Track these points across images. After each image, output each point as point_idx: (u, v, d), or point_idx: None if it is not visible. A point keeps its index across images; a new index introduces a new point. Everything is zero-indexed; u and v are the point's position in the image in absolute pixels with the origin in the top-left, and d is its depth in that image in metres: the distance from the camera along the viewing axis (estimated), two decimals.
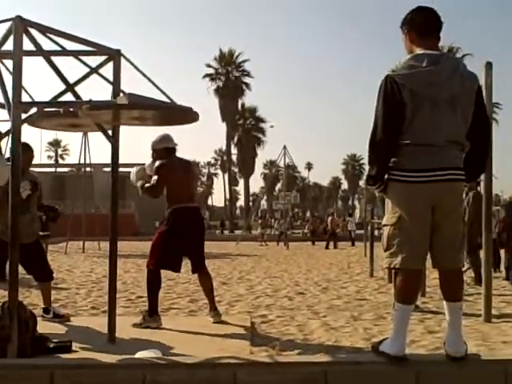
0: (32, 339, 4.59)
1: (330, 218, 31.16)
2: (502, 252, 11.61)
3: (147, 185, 6.24)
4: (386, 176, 3.61)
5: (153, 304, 6.11)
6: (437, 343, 5.07)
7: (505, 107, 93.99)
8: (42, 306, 6.45)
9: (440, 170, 3.47)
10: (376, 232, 15.21)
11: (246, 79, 63.29)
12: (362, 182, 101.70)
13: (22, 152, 6.09)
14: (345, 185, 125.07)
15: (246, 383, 3.57)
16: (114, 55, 4.94)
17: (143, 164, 6.47)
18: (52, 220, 6.96)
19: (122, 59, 4.97)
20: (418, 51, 3.61)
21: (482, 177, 6.42)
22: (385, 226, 3.67)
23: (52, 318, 6.30)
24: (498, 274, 11.37)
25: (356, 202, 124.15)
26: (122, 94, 4.74)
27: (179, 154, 6.46)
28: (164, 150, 6.28)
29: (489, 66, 6.29)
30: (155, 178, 6.17)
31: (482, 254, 7.07)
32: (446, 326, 3.70)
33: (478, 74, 3.87)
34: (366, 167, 3.80)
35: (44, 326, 5.22)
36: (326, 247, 27.21)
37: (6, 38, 4.61)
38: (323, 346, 5.18)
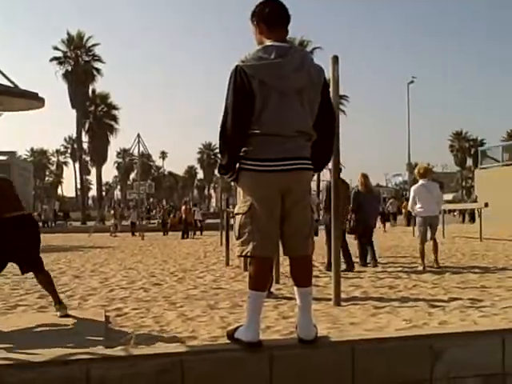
0: None
1: (183, 208, 31.17)
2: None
3: None
4: (237, 165, 3.65)
5: None
6: (290, 328, 5.22)
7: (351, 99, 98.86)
8: None
9: (288, 159, 3.57)
10: (231, 221, 15.40)
11: (98, 64, 61.51)
12: (217, 171, 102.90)
13: None
14: (200, 174, 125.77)
15: (100, 379, 3.47)
16: None
17: None
18: None
19: None
20: (267, 43, 3.67)
21: (330, 166, 6.69)
22: (236, 214, 3.73)
23: None
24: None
25: (212, 191, 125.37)
26: None
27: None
28: None
29: (335, 59, 6.54)
30: None
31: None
32: (297, 311, 3.82)
33: (326, 67, 4.01)
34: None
35: None
36: (182, 237, 27.24)
37: None
38: (179, 337, 5.16)
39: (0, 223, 5.88)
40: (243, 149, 3.60)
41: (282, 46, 3.63)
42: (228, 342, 3.86)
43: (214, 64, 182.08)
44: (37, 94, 3.95)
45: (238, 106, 3.53)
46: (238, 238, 3.70)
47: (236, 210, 3.75)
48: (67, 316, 6.03)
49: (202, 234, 29.25)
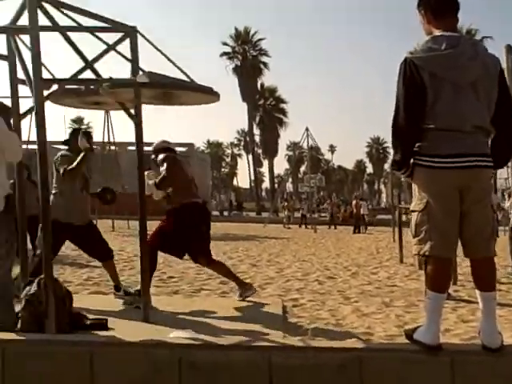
0: (69, 316, 4.65)
1: (354, 202, 31.01)
2: None
3: (159, 178, 6.31)
4: (411, 161, 3.56)
5: (147, 281, 6.09)
6: (471, 332, 5.04)
7: None
8: (113, 284, 6.56)
9: (466, 155, 3.41)
10: (404, 217, 15.10)
11: (264, 58, 62.64)
12: (387, 166, 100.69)
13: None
14: (370, 168, 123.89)
15: (280, 366, 3.59)
16: (131, 32, 4.85)
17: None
18: (109, 202, 7.09)
19: (139, 37, 4.89)
20: (437, 33, 3.52)
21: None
22: (413, 211, 3.62)
23: (123, 295, 6.39)
24: None
25: (382, 186, 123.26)
26: (141, 72, 4.70)
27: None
28: (163, 149, 6.48)
29: (509, 48, 6.14)
30: (164, 167, 6.26)
31: None
32: (481, 316, 3.66)
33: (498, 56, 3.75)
34: (391, 151, 3.76)
35: (79, 304, 5.29)
36: (354, 231, 27.16)
37: (20, 12, 4.58)
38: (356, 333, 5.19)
39: (183, 208, 6.20)
40: (417, 144, 3.50)
41: (452, 35, 3.47)
42: (406, 341, 3.80)
43: (383, 56, 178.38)
44: (211, 88, 4.18)
45: (410, 100, 3.44)
46: (414, 237, 3.60)
47: (412, 207, 3.66)
48: (252, 303, 6.25)
49: (366, 230, 28.92)
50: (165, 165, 6.28)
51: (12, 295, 4.42)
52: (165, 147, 6.56)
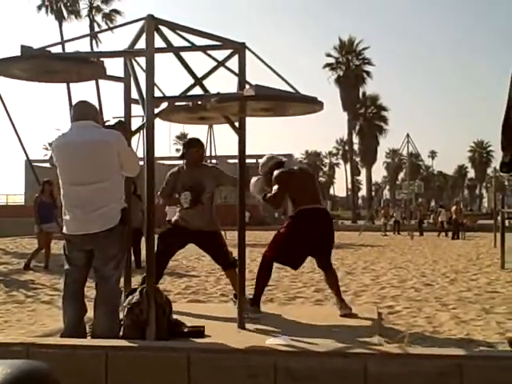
0: (168, 323, 4.81)
1: (454, 208, 30.09)
2: None
3: (269, 195, 6.16)
4: None
5: (257, 294, 6.04)
6: None
7: None
8: (234, 292, 6.50)
9: None
10: (507, 222, 14.54)
11: (367, 67, 62.14)
12: (490, 170, 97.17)
13: (194, 147, 6.37)
14: (471, 173, 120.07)
15: (377, 374, 3.55)
16: (239, 48, 5.04)
17: (267, 155, 6.55)
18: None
19: (247, 52, 5.05)
20: None
21: None
22: None
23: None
24: None
25: (484, 191, 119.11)
26: (247, 86, 4.82)
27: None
28: (275, 164, 6.31)
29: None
30: (275, 187, 6.10)
31: None
32: None
33: None
34: (495, 154, 3.67)
35: (177, 312, 5.46)
36: (453, 237, 26.35)
37: (138, 36, 4.86)
38: (454, 339, 5.06)
39: (298, 214, 6.07)
40: None
41: None
42: (509, 349, 3.68)
43: (482, 60, 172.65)
44: (315, 97, 4.18)
45: None
46: None
47: None
48: (347, 316, 5.96)
49: (446, 235, 27.99)
50: (276, 186, 6.10)
51: (119, 305, 4.63)
52: (275, 163, 6.36)
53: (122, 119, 5.36)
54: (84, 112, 4.52)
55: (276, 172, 6.18)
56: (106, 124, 4.85)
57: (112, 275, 4.45)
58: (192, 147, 6.39)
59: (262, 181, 6.37)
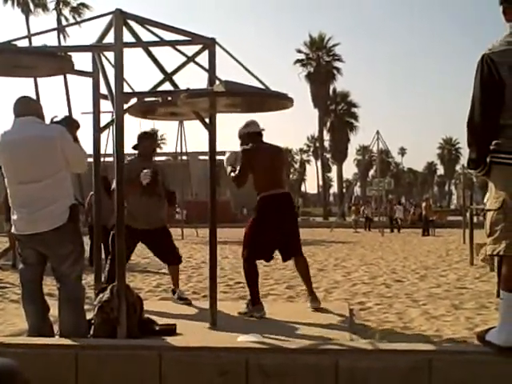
0: (139, 321, 4.77)
1: (424, 204, 30.42)
2: None
3: (233, 174, 6.04)
4: (487, 159, 3.48)
5: (253, 294, 5.98)
6: None
7: None
8: (172, 288, 6.89)
9: None
10: (475, 219, 14.74)
11: (337, 64, 62.30)
12: (459, 167, 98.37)
13: (147, 139, 6.67)
14: (440, 170, 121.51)
15: (348, 370, 3.57)
16: (209, 44, 4.98)
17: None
18: (171, 203, 7.32)
19: (217, 47, 5.00)
20: None
21: None
22: (488, 211, 3.54)
23: (176, 299, 6.69)
24: None
25: (453, 188, 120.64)
26: (217, 82, 4.79)
27: (272, 140, 6.33)
28: (248, 134, 6.11)
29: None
30: (240, 164, 5.99)
31: None
32: None
33: None
34: (463, 151, 3.70)
35: (149, 310, 5.41)
36: (423, 234, 26.65)
37: (106, 31, 4.79)
38: (424, 335, 5.10)
39: (259, 203, 5.97)
40: (495, 141, 3.42)
41: None
42: (478, 344, 3.72)
43: (454, 56, 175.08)
44: (286, 94, 4.18)
45: (486, 98, 3.36)
46: (489, 236, 3.52)
47: (487, 206, 3.57)
48: (317, 310, 6.03)
49: (399, 232, 28.46)
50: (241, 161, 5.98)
51: (83, 301, 4.56)
52: (247, 133, 6.12)
53: (68, 115, 5.28)
54: (26, 108, 4.39)
55: (242, 148, 6.05)
56: (54, 120, 4.75)
57: (70, 273, 4.36)
58: (145, 140, 6.64)
59: (235, 156, 6.18)
